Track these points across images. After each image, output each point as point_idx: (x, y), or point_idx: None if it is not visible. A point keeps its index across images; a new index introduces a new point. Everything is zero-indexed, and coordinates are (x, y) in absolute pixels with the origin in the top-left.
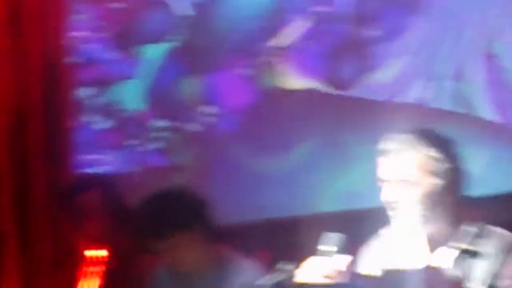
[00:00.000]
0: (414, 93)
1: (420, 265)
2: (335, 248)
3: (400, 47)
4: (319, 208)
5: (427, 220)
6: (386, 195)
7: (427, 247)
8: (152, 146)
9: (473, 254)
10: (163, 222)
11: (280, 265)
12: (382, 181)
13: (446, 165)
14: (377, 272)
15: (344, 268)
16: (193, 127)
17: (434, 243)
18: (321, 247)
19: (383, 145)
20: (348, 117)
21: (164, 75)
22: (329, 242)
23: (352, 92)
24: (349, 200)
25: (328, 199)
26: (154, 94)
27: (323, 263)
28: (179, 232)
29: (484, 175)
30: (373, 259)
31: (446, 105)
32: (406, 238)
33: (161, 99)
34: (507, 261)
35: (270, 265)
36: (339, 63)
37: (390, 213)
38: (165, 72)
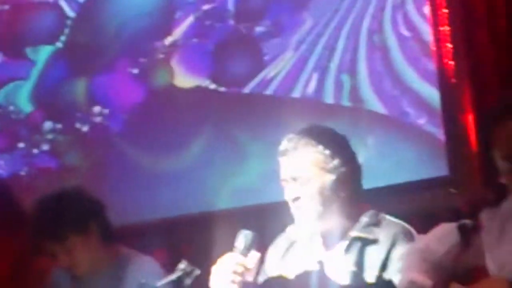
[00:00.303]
0: (306, 88)
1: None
2: (244, 245)
3: (288, 43)
4: (216, 206)
5: (325, 215)
6: (287, 194)
7: (325, 242)
8: (42, 148)
9: (364, 241)
10: (58, 224)
11: (179, 265)
12: (283, 180)
13: (338, 161)
14: (284, 272)
15: (252, 265)
16: (83, 127)
17: (332, 237)
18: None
19: (280, 146)
20: (240, 114)
21: (51, 77)
22: (239, 239)
23: (242, 88)
24: (246, 197)
25: (224, 196)
26: (42, 96)
27: (232, 260)
28: (74, 233)
29: (377, 167)
30: (279, 258)
31: (338, 99)
32: (307, 235)
33: (50, 101)
34: (395, 247)
35: (167, 264)
36: (228, 60)
37: (293, 211)
38: (53, 73)
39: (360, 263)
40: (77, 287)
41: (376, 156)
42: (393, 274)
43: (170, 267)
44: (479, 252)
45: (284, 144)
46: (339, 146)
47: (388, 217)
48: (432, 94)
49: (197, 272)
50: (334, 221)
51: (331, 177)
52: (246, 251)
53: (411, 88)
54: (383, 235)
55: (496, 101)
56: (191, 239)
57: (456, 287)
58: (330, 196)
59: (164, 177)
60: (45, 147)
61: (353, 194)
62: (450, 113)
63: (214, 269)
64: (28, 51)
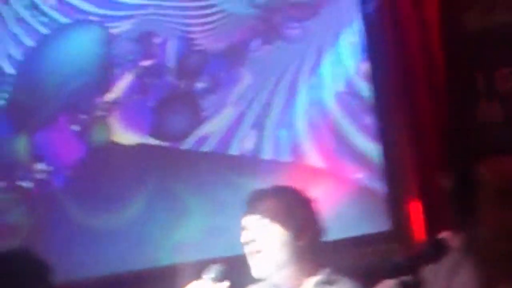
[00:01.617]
0: (244, 144)
1: None
2: (214, 275)
3: (226, 99)
4: (158, 261)
5: (283, 264)
6: (243, 236)
7: None
8: None
9: None
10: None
11: None
12: (242, 228)
13: (301, 214)
14: None
15: None
16: (25, 184)
17: None
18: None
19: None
20: (180, 170)
21: None
22: (210, 270)
23: (182, 145)
24: (188, 252)
25: (166, 252)
26: None
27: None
28: None
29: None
30: None
31: (277, 155)
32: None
33: None
34: None
35: None
36: (168, 116)
37: (248, 256)
38: None
39: None
40: None
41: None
42: None
43: None
44: None
45: (249, 195)
46: (302, 206)
47: (343, 278)
48: (371, 148)
49: None
50: (290, 273)
51: (293, 225)
52: (215, 280)
53: (350, 143)
54: None
55: (436, 154)
56: None
57: None
58: (290, 243)
59: (106, 234)
60: None
61: (312, 246)
62: (391, 167)
63: None
64: None
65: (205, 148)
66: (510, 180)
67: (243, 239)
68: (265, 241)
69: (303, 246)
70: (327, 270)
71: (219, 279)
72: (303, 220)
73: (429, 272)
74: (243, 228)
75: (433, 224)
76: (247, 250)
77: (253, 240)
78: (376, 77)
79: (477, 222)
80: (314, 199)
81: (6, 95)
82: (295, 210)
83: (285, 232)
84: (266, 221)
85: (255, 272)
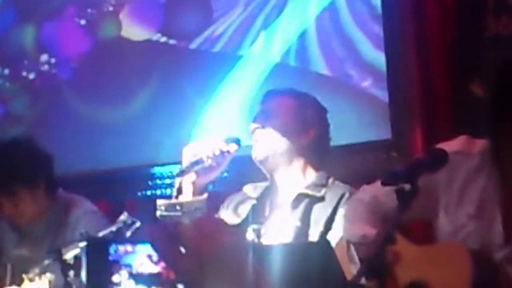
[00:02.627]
0: (253, 46)
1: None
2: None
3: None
4: (159, 159)
5: (284, 153)
6: (253, 123)
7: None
8: None
9: (311, 198)
10: (8, 176)
11: (120, 216)
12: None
13: (311, 116)
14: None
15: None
16: (30, 75)
17: (283, 191)
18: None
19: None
20: (187, 68)
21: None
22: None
23: (192, 44)
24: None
25: (167, 149)
26: None
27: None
28: (23, 187)
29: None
30: (231, 209)
31: (285, 59)
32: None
33: None
34: (341, 205)
35: (109, 215)
36: (178, 14)
37: (254, 139)
38: (1, 19)
39: (305, 219)
40: (19, 236)
41: None
42: (338, 231)
43: (111, 218)
44: (412, 214)
45: (266, 94)
46: (318, 108)
47: (336, 181)
48: (378, 57)
49: (137, 224)
50: (284, 163)
51: (296, 120)
52: (229, 142)
53: (358, 51)
54: (330, 194)
55: (441, 67)
56: (133, 190)
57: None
58: (294, 135)
59: (109, 128)
60: None
61: (312, 147)
62: (395, 77)
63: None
64: None
65: (214, 47)
66: None
67: (251, 127)
68: (267, 130)
69: (304, 145)
70: (320, 173)
71: (231, 141)
72: (310, 122)
73: (436, 180)
74: (253, 120)
75: (433, 134)
76: (253, 138)
77: (257, 128)
78: None
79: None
80: (326, 110)
81: None
82: (306, 111)
83: (289, 126)
84: (274, 114)
85: (253, 156)
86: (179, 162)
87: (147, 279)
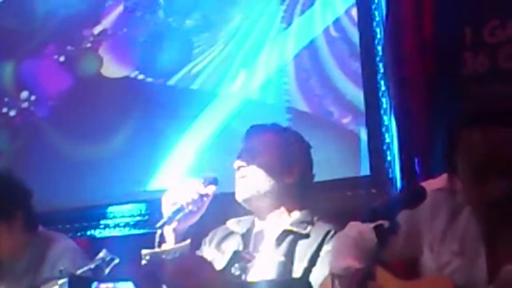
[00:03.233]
0: (233, 84)
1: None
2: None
3: (217, 37)
4: (136, 195)
5: (267, 194)
6: (236, 162)
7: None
8: None
9: (296, 234)
10: None
11: (99, 253)
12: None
13: (294, 154)
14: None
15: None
16: (10, 112)
17: (268, 228)
18: None
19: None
20: (165, 106)
21: None
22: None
23: (170, 81)
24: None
25: (146, 185)
26: None
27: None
28: (1, 221)
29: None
30: (214, 244)
31: (263, 96)
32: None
33: None
34: (326, 243)
35: (87, 252)
36: (157, 51)
37: (237, 179)
38: None
39: (289, 255)
40: None
41: None
42: (321, 268)
43: (91, 255)
44: (393, 252)
45: (250, 129)
46: (299, 148)
47: (320, 220)
48: (356, 94)
49: (116, 261)
50: (269, 204)
51: (284, 160)
52: (206, 184)
53: (337, 88)
54: (315, 231)
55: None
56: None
57: (382, 272)
58: (278, 174)
59: (87, 165)
60: None
61: (297, 186)
62: (373, 114)
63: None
64: None
65: (193, 85)
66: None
67: (235, 165)
68: (252, 169)
69: (289, 184)
70: (305, 211)
71: (209, 183)
72: (294, 160)
73: (420, 219)
74: (238, 157)
75: (412, 171)
76: (236, 176)
77: (242, 166)
78: (366, 24)
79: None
80: (309, 145)
81: None
82: (290, 148)
83: (274, 165)
84: (259, 152)
85: (237, 195)
86: (156, 199)
87: None
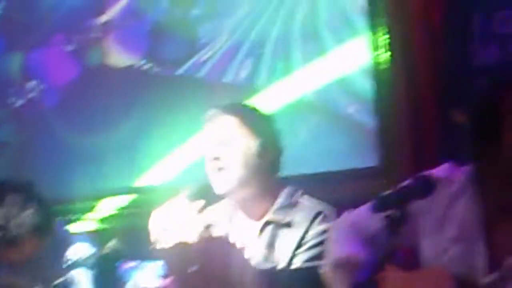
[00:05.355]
0: (239, 73)
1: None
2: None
3: (223, 27)
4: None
5: (246, 182)
6: (208, 154)
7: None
8: None
9: (277, 224)
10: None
11: (109, 242)
12: (206, 143)
13: (262, 131)
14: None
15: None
16: (15, 103)
17: (250, 215)
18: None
19: (206, 114)
20: (172, 95)
21: None
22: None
23: (176, 70)
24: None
25: (150, 174)
26: None
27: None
28: (32, 236)
29: (306, 155)
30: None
31: (272, 84)
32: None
33: None
34: (311, 229)
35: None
36: (163, 41)
37: (211, 173)
38: None
39: (271, 246)
40: (11, 268)
41: (306, 144)
42: (305, 257)
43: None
44: (404, 240)
45: (211, 111)
46: (264, 120)
47: (306, 197)
48: (364, 83)
49: (125, 250)
50: (254, 194)
51: (255, 142)
52: (191, 199)
53: (344, 77)
54: (298, 217)
55: (429, 92)
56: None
57: (393, 271)
58: (253, 162)
59: (93, 154)
60: None
61: (275, 168)
62: (382, 103)
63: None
64: None
65: (198, 74)
66: None
67: (207, 155)
68: (228, 158)
69: (265, 164)
70: (287, 191)
71: (195, 197)
72: (264, 136)
73: (417, 206)
74: (207, 146)
75: (421, 161)
76: (209, 167)
77: (216, 158)
78: (373, 12)
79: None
80: (273, 117)
81: (1, 12)
82: (252, 127)
83: (249, 148)
84: (229, 138)
85: (217, 189)
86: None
87: None
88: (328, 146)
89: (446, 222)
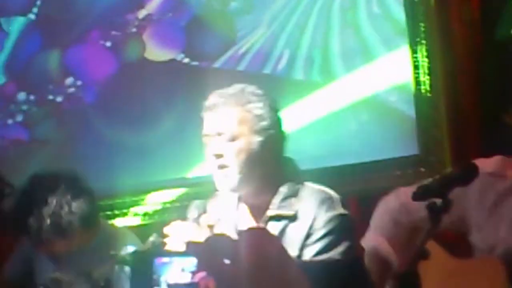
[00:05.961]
0: (277, 65)
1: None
2: (195, 216)
3: (260, 19)
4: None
5: (249, 178)
6: (210, 149)
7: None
8: (14, 119)
9: (282, 218)
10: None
11: (150, 237)
12: (205, 135)
13: (267, 123)
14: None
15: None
16: (56, 98)
17: (255, 209)
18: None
19: (207, 100)
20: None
21: (24, 48)
22: (191, 209)
23: (215, 64)
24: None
25: (192, 169)
26: (14, 67)
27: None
28: (81, 229)
29: (346, 145)
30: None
31: (309, 76)
32: (230, 199)
33: (22, 72)
34: (319, 215)
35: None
36: (201, 34)
37: (214, 170)
38: (26, 45)
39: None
40: (56, 264)
41: (345, 134)
42: (316, 250)
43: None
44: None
45: (212, 99)
46: (269, 108)
47: (307, 184)
48: (404, 72)
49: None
50: (257, 188)
51: (258, 138)
52: (197, 220)
53: (382, 66)
54: (303, 207)
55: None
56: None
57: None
58: (256, 157)
59: (133, 150)
60: (17, 118)
61: (278, 159)
62: (421, 92)
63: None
64: (2, 21)
65: (237, 67)
66: None
67: (209, 152)
68: (232, 155)
69: (268, 158)
70: (289, 183)
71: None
72: (266, 126)
73: (465, 197)
74: (210, 135)
75: (461, 150)
76: (212, 163)
77: (218, 155)
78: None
79: None
80: (276, 101)
81: (39, 10)
82: (255, 117)
83: (252, 142)
84: (232, 132)
85: (219, 186)
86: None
87: None
88: (367, 136)
89: (496, 217)
